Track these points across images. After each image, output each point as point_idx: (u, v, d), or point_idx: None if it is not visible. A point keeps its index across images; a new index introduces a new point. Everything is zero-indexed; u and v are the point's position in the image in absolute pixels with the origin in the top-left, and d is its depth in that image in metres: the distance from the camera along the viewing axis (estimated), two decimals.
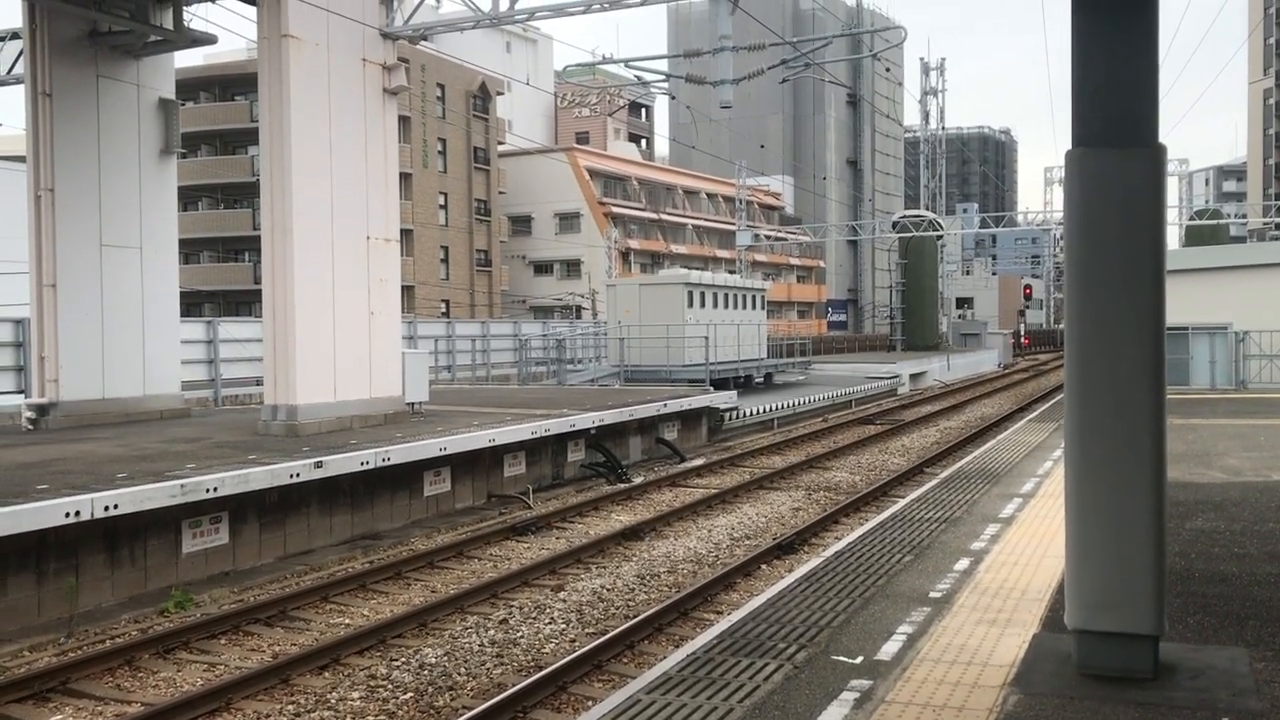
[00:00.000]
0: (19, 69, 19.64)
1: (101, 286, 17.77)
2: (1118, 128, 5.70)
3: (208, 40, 18.99)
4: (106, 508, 10.23)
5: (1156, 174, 5.69)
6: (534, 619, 9.98)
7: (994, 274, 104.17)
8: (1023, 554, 9.07)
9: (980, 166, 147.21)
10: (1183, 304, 25.02)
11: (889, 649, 6.49)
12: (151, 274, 18.64)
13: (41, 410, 17.18)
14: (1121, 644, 5.74)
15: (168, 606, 10.46)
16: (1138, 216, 5.64)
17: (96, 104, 17.84)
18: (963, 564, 8.76)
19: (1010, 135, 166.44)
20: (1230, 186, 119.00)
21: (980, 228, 69.68)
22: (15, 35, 20.01)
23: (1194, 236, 51.43)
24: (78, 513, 9.96)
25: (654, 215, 72.88)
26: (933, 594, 7.81)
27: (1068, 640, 6.05)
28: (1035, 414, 24.38)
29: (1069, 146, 5.83)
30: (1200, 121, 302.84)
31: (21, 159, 19.09)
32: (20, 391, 19.87)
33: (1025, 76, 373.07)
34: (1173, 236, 63.70)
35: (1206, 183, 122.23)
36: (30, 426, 17.07)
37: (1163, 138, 5.72)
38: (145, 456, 13.21)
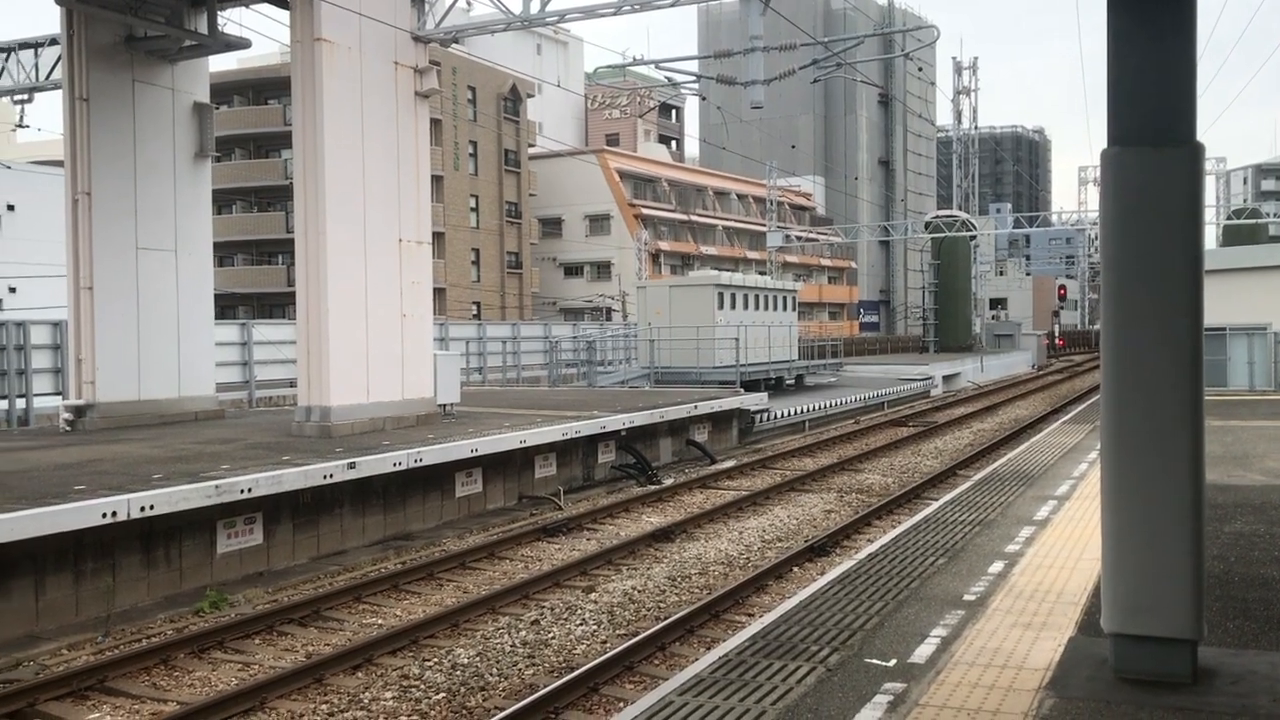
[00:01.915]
0: (57, 74, 19.89)
1: (137, 289, 17.96)
2: (1154, 126, 5.63)
3: (241, 44, 19.16)
4: (143, 508, 10.33)
5: (1194, 172, 5.62)
6: (565, 620, 9.99)
7: (1028, 274, 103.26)
8: (1058, 557, 8.99)
9: (1014, 166, 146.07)
10: (1220, 304, 24.74)
11: (923, 652, 6.44)
12: (186, 276, 18.83)
13: (79, 411, 17.38)
14: (1159, 648, 5.67)
15: (203, 606, 10.55)
16: (1175, 215, 5.57)
17: (132, 108, 18.04)
18: (997, 567, 8.69)
19: (1044, 134, 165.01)
20: (1269, 185, 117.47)
21: (1014, 228, 69.13)
22: (53, 41, 20.26)
23: (1232, 236, 50.88)
24: (114, 513, 10.07)
25: (684, 217, 72.83)
26: (967, 597, 7.74)
27: (1104, 644, 5.99)
28: (1070, 416, 24.17)
29: (1104, 145, 5.77)
30: (1238, 119, 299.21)
31: (59, 163, 19.32)
32: (58, 393, 20.10)
33: (1059, 76, 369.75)
34: (1210, 236, 62.99)
35: (1244, 181, 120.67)
36: (68, 428, 17.28)
37: (1200, 136, 5.65)
38: (180, 457, 13.34)
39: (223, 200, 52.88)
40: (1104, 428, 5.77)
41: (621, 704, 7.56)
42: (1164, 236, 5.57)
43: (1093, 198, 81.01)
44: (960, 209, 61.86)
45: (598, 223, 68.87)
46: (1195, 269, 5.57)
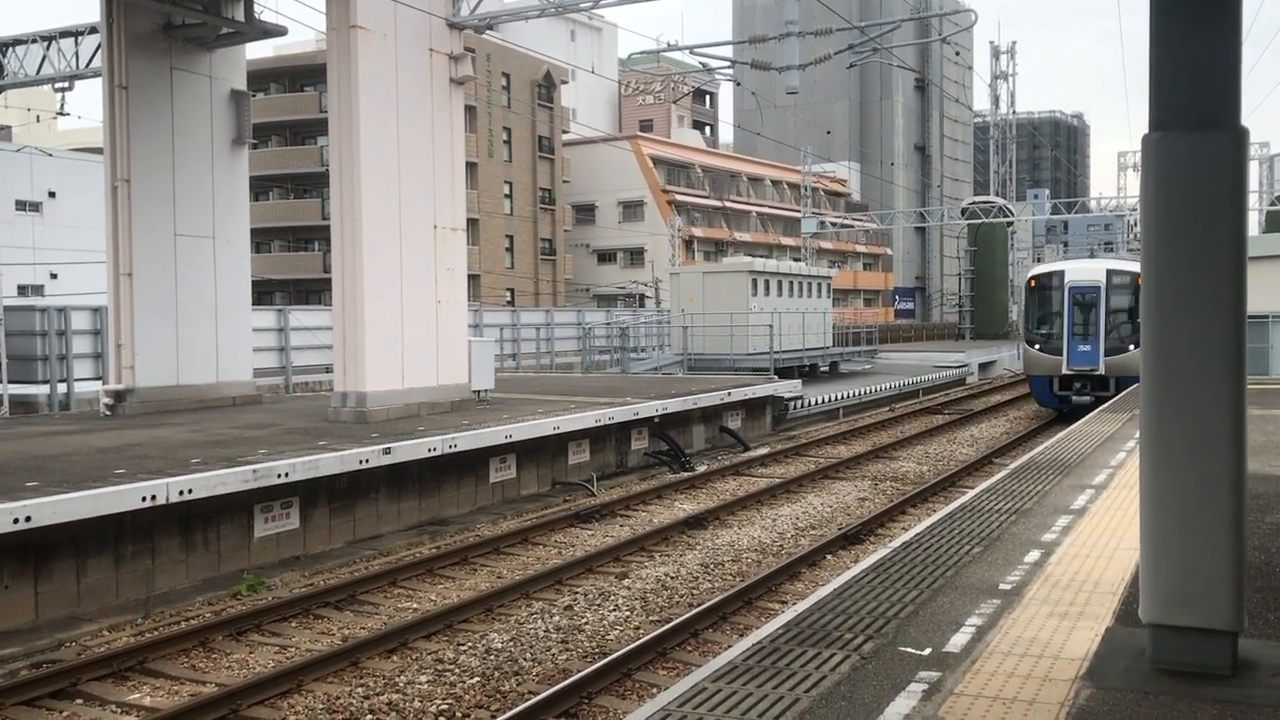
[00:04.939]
0: (97, 62, 20.11)
1: (176, 275, 18.15)
2: (1198, 110, 5.54)
3: (278, 32, 19.27)
4: (181, 492, 10.45)
5: (1238, 157, 5.52)
6: (598, 606, 10.01)
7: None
8: (1095, 546, 8.90)
9: (1052, 151, 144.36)
10: (1264, 291, 24.29)
11: (958, 641, 6.40)
12: (224, 263, 19.00)
13: (118, 396, 17.60)
14: (1198, 639, 5.59)
15: (240, 589, 10.67)
16: (1218, 201, 5.48)
17: (170, 96, 18.19)
18: (1033, 556, 8.61)
19: (1082, 119, 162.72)
20: None
21: (1051, 214, 68.34)
22: (93, 29, 20.48)
23: (1275, 222, 50.09)
24: (154, 497, 10.19)
25: (718, 203, 72.60)
26: (1002, 586, 7.69)
27: (1142, 634, 5.92)
28: (1108, 403, 23.91)
29: (1145, 130, 5.68)
30: None
31: (99, 151, 19.53)
32: (98, 378, 20.37)
33: (1098, 60, 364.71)
34: (1252, 222, 61.97)
35: None
36: (108, 412, 17.50)
37: (1244, 120, 5.55)
38: (218, 442, 13.47)
39: (259, 187, 53.23)
40: (1144, 416, 5.70)
41: (655, 690, 7.58)
42: (1206, 222, 5.48)
43: (1132, 183, 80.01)
44: (997, 195, 61.33)
45: (631, 209, 68.80)
46: (1238, 255, 5.48)
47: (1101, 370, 23.85)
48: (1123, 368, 23.62)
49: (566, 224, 66.33)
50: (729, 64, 25.10)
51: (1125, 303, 24.17)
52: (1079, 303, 24.18)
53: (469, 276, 25.42)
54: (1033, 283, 25.77)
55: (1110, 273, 24.47)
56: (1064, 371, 24.10)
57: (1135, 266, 24.50)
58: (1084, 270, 25.03)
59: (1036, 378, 25.15)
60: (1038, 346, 24.90)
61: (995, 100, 64.09)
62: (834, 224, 66.34)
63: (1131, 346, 23.38)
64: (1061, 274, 24.87)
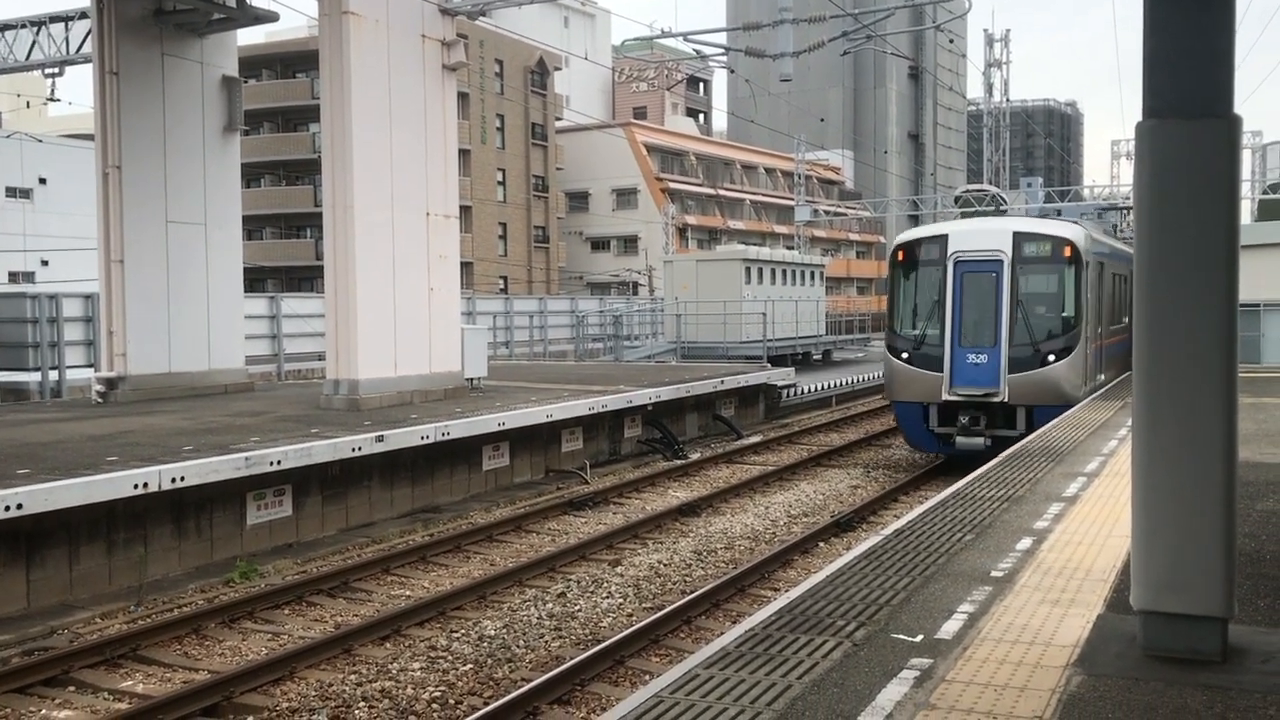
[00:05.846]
0: (87, 48, 19.99)
1: (167, 262, 18.09)
2: (1191, 98, 5.54)
3: (270, 18, 19.18)
4: (174, 479, 10.43)
5: (1231, 146, 5.52)
6: (591, 593, 10.03)
7: None
8: (1087, 533, 8.93)
9: (1045, 139, 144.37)
10: (1255, 280, 24.35)
11: (950, 628, 6.42)
12: (216, 250, 18.94)
13: (110, 384, 17.55)
14: (1189, 626, 5.62)
15: (233, 577, 10.66)
16: (1211, 190, 5.49)
17: (162, 82, 18.10)
18: (1025, 543, 8.63)
19: (1076, 107, 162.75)
20: None
21: (1045, 202, 68.35)
22: (83, 15, 20.36)
23: (1267, 211, 50.16)
24: (146, 484, 10.17)
25: (711, 191, 72.51)
26: (994, 573, 7.70)
27: (1133, 621, 5.94)
28: (1100, 391, 23.96)
29: (1138, 118, 5.68)
30: (1275, 92, 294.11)
31: (90, 137, 19.43)
32: (90, 365, 20.30)
33: (1091, 48, 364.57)
34: (1245, 210, 62.02)
35: None
36: (99, 400, 17.46)
37: (1237, 108, 5.55)
38: (210, 430, 13.45)
39: (251, 174, 52.99)
40: (1135, 403, 5.71)
41: (647, 676, 7.60)
42: (1199, 210, 5.49)
43: (1125, 171, 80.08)
44: (991, 183, 61.25)
45: (625, 197, 68.70)
46: (1231, 243, 5.49)
47: (1003, 395, 15.66)
48: (1036, 392, 15.73)
49: (560, 211, 66.21)
50: (723, 51, 25.05)
51: (1044, 285, 16.13)
52: (970, 287, 15.97)
53: (462, 264, 25.34)
54: (899, 255, 17.15)
55: (1020, 238, 15.94)
56: (945, 397, 15.84)
57: (1059, 229, 16.78)
58: (978, 234, 16.41)
59: (904, 404, 16.56)
60: (905, 356, 16.39)
61: (989, 88, 63.94)
62: (827, 212, 66.28)
63: (1051, 356, 15.74)
64: (944, 240, 16.30)
